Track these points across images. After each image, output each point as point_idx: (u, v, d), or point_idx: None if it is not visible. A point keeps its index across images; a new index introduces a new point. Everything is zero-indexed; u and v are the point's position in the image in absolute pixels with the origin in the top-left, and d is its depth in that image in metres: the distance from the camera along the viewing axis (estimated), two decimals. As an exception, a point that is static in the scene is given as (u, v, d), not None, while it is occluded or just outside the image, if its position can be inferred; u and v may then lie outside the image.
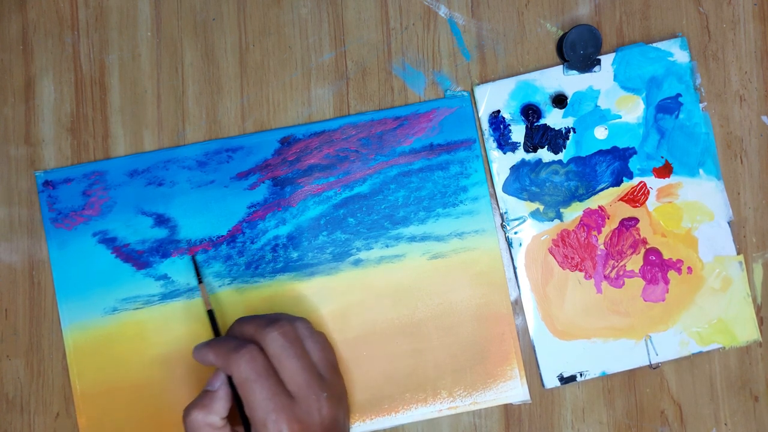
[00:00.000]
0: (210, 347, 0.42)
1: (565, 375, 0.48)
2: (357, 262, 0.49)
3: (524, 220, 0.49)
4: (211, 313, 0.47)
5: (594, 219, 0.49)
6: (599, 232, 0.49)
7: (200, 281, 0.48)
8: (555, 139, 0.49)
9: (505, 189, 0.49)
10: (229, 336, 0.43)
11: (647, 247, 0.49)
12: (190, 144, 0.50)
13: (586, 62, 0.49)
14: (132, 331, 0.49)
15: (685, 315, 0.49)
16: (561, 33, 0.50)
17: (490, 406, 0.49)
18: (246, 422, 0.42)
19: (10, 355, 0.49)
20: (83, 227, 0.49)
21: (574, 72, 0.49)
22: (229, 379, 0.42)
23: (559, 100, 0.49)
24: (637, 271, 0.49)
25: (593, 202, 0.49)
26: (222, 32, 0.50)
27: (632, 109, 0.49)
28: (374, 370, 0.49)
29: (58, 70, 0.50)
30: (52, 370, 0.49)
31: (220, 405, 0.41)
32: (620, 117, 0.49)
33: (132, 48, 0.50)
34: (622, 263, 0.49)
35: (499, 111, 0.49)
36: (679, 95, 0.49)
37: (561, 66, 0.50)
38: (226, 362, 0.41)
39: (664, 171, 0.49)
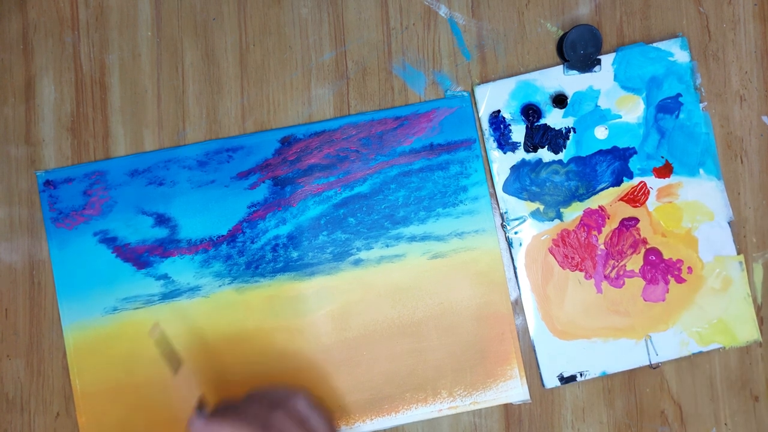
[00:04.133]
0: (231, 425, 0.40)
1: (565, 375, 0.48)
2: (357, 262, 0.49)
3: (524, 220, 0.49)
4: (201, 404, 0.43)
5: (594, 219, 0.49)
6: (599, 232, 0.49)
7: (178, 366, 0.44)
8: (555, 139, 0.49)
9: (505, 189, 0.49)
10: (241, 412, 0.41)
11: (647, 247, 0.49)
12: (191, 144, 0.50)
13: (586, 62, 0.49)
14: (132, 331, 0.49)
15: (685, 315, 0.49)
16: (561, 33, 0.50)
17: (490, 406, 0.49)
18: None
19: (10, 355, 0.49)
20: (84, 227, 0.49)
21: (575, 72, 0.49)
22: None
23: (560, 100, 0.49)
24: (637, 271, 0.49)
25: (593, 202, 0.49)
26: (222, 32, 0.50)
27: (632, 109, 0.49)
28: (374, 370, 0.49)
29: (58, 70, 0.50)
30: (52, 369, 0.49)
31: None
32: (620, 117, 0.49)
33: (132, 48, 0.50)
34: (622, 263, 0.49)
35: (499, 111, 0.49)
36: (679, 95, 0.49)
37: (561, 66, 0.50)
38: None
39: (664, 171, 0.49)
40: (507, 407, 0.49)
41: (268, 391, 0.43)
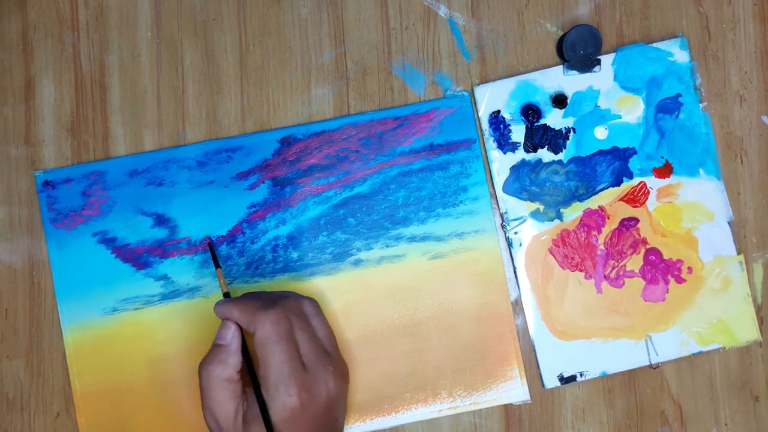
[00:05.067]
0: (236, 304, 0.42)
1: (565, 375, 0.48)
2: (357, 262, 0.49)
3: (524, 220, 0.49)
4: (227, 296, 0.46)
5: (594, 219, 0.49)
6: (599, 232, 0.49)
7: (217, 266, 0.47)
8: (555, 139, 0.49)
9: (505, 189, 0.49)
10: (251, 298, 0.44)
11: (647, 247, 0.49)
12: (190, 144, 0.50)
13: (586, 62, 0.49)
14: (132, 331, 0.49)
15: (685, 315, 0.49)
16: (561, 33, 0.50)
17: (490, 406, 0.49)
18: (254, 379, 0.42)
19: (10, 355, 0.49)
20: (83, 227, 0.49)
21: (574, 72, 0.49)
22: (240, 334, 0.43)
23: (559, 100, 0.49)
24: (637, 271, 0.49)
25: (593, 202, 0.49)
26: (222, 32, 0.50)
27: (632, 109, 0.49)
28: (374, 371, 0.48)
29: (58, 70, 0.50)
30: (52, 370, 0.49)
31: (235, 359, 0.42)
32: (620, 117, 0.49)
33: (132, 48, 0.50)
34: (622, 263, 0.49)
35: (499, 111, 0.49)
36: (679, 95, 0.49)
37: (561, 66, 0.50)
38: (252, 319, 0.41)
39: (664, 171, 0.49)
40: (507, 407, 0.49)
41: (276, 291, 0.45)
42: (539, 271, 0.49)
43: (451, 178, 0.49)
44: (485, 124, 0.49)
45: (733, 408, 0.49)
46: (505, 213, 0.49)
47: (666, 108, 0.49)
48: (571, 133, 0.49)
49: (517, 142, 0.49)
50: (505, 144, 0.49)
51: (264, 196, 0.49)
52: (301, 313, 0.43)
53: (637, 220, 0.49)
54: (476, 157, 0.49)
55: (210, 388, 0.42)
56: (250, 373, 0.42)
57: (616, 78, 0.49)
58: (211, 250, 0.48)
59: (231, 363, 0.42)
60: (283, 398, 0.40)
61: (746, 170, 0.50)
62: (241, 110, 0.50)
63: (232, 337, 0.42)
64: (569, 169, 0.49)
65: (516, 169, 0.49)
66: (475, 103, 0.50)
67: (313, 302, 0.45)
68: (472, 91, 0.50)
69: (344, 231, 0.49)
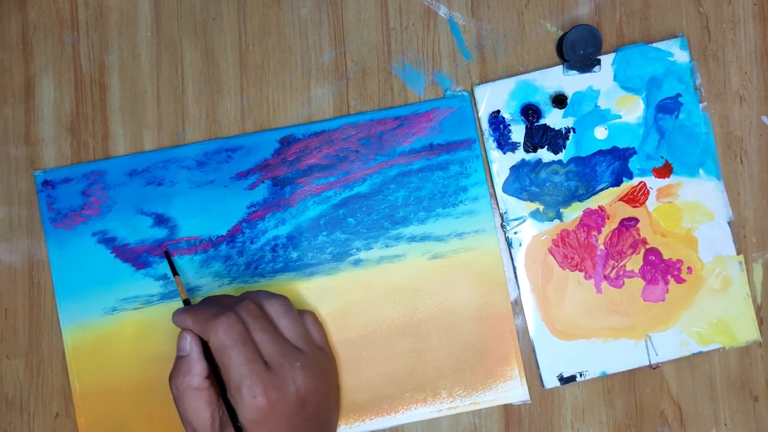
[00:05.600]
0: (189, 313, 0.43)
1: (565, 375, 0.48)
2: (357, 262, 0.49)
3: (524, 220, 0.49)
4: (187, 303, 0.47)
5: (594, 219, 0.49)
6: (599, 232, 0.49)
7: (175, 274, 0.47)
8: (555, 139, 0.49)
9: (505, 189, 0.49)
10: (207, 304, 0.44)
11: (647, 247, 0.49)
12: (190, 144, 0.50)
13: (586, 62, 0.49)
14: (131, 331, 0.49)
15: (685, 315, 0.49)
16: (561, 33, 0.50)
17: (489, 406, 0.49)
18: (222, 387, 0.42)
19: (10, 355, 0.49)
20: (82, 227, 0.49)
21: (574, 72, 0.49)
22: (202, 342, 0.43)
23: (559, 100, 0.49)
24: (636, 271, 0.49)
25: (593, 202, 0.49)
26: (222, 32, 0.50)
27: (632, 109, 0.49)
28: (374, 371, 0.48)
29: (58, 70, 0.50)
30: (52, 370, 0.49)
31: (198, 367, 0.42)
32: (620, 117, 0.49)
33: (132, 48, 0.50)
34: (622, 263, 0.49)
35: (499, 111, 0.49)
36: (679, 95, 0.49)
37: (561, 66, 0.50)
38: (204, 328, 0.41)
39: (664, 171, 0.49)
40: (507, 407, 0.49)
41: (245, 292, 0.45)
42: (539, 271, 0.49)
43: (451, 178, 0.49)
44: (485, 124, 0.49)
45: (733, 408, 0.49)
46: (505, 213, 0.49)
47: (666, 108, 0.49)
48: (571, 133, 0.49)
49: (517, 142, 0.49)
50: (505, 144, 0.49)
51: (264, 195, 0.49)
52: (260, 314, 0.42)
53: (636, 220, 0.49)
54: (476, 157, 0.49)
55: (182, 399, 0.42)
56: (216, 379, 0.42)
57: (616, 78, 0.49)
58: (168, 258, 0.48)
59: (196, 372, 0.42)
60: (248, 400, 0.40)
61: (746, 170, 0.50)
62: (240, 110, 0.50)
63: (190, 346, 0.42)
64: (569, 169, 0.49)
65: (516, 169, 0.49)
66: (475, 103, 0.50)
67: (284, 301, 0.44)
68: (472, 91, 0.50)
69: (344, 231, 0.49)
